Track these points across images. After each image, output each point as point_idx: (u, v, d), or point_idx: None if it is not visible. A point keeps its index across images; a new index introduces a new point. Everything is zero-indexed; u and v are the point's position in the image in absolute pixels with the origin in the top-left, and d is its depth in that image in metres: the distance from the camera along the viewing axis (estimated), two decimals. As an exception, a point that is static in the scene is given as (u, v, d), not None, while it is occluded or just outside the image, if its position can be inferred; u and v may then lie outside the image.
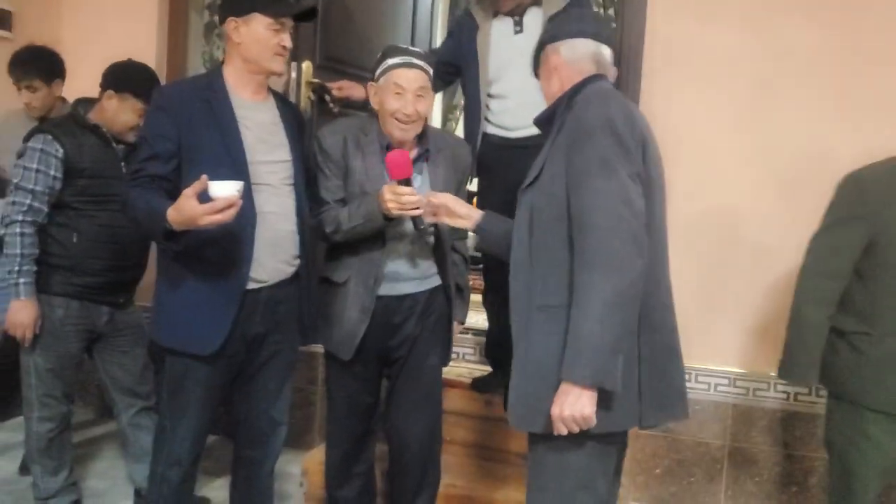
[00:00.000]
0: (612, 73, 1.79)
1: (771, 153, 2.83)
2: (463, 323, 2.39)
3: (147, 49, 3.51)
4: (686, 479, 3.01)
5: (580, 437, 1.55)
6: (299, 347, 2.29)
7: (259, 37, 2.00)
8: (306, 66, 2.68)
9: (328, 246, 2.21)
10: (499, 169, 2.66)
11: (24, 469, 2.90)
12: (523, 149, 2.61)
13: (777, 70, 2.84)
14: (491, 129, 2.70)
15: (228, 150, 1.98)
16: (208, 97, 2.00)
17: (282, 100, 2.24)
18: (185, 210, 1.73)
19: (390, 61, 2.07)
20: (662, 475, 3.03)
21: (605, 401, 1.53)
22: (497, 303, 2.82)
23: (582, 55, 1.73)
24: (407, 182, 1.98)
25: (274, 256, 2.05)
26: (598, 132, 1.55)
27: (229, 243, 1.95)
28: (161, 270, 2.08)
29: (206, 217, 1.73)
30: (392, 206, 1.95)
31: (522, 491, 2.50)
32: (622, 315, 1.48)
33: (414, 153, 2.13)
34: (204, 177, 1.74)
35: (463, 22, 2.75)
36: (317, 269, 2.25)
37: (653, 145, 1.68)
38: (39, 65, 2.81)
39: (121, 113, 2.46)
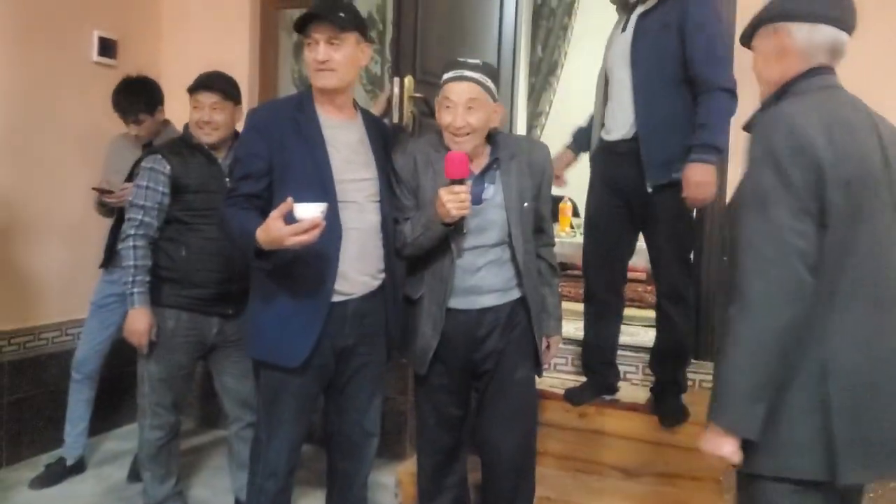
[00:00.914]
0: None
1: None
2: (553, 336, 2.30)
3: (240, 68, 3.64)
4: None
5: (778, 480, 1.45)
6: (388, 359, 2.31)
7: (306, 56, 2.07)
8: (408, 80, 2.71)
9: (407, 264, 2.22)
10: (596, 172, 2.68)
11: (133, 476, 3.02)
12: (617, 154, 2.59)
13: (880, 69, 2.68)
14: (602, 132, 2.69)
15: (316, 169, 2.04)
16: (298, 117, 2.07)
17: (369, 117, 2.27)
18: (272, 231, 1.83)
19: (445, 76, 2.08)
20: None
21: (769, 445, 1.43)
22: (593, 311, 2.78)
23: (819, 44, 1.50)
24: (461, 182, 1.96)
25: (359, 270, 2.10)
26: (760, 161, 1.42)
27: (316, 259, 2.01)
28: (254, 286, 2.17)
29: (292, 238, 1.82)
30: (450, 206, 1.93)
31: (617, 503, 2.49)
32: (765, 362, 1.38)
33: (483, 163, 2.11)
34: (290, 199, 1.81)
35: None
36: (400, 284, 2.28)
37: (861, 163, 1.43)
38: (140, 99, 2.96)
39: (191, 115, 2.57)
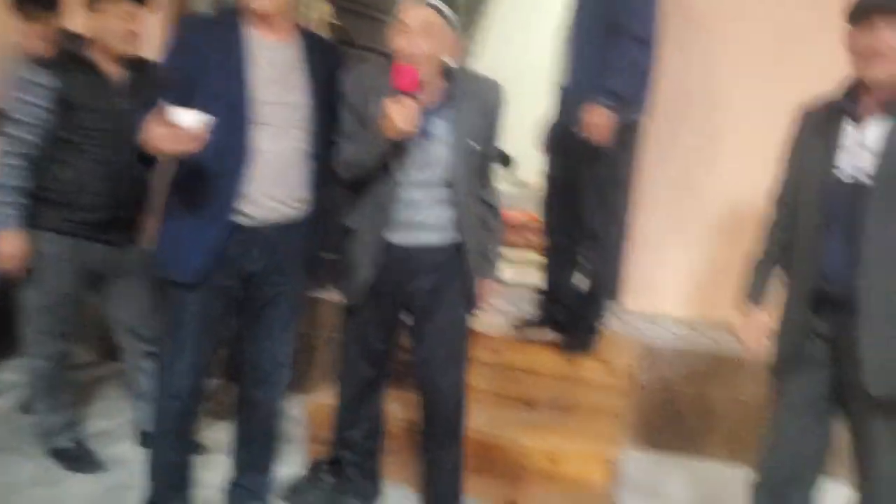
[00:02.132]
0: None
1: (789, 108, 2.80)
2: (489, 279, 2.29)
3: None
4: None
5: None
6: (308, 292, 2.30)
7: None
8: (324, 6, 2.61)
9: (349, 193, 2.18)
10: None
11: (26, 407, 2.92)
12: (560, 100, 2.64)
13: (798, 18, 2.77)
14: None
15: (231, 86, 1.99)
16: (224, 32, 2.01)
17: (313, 41, 2.18)
18: (149, 135, 1.81)
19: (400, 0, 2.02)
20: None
21: None
22: (556, 262, 2.83)
23: None
24: (410, 96, 1.91)
25: (270, 196, 2.05)
26: None
27: (219, 179, 2.00)
28: (165, 204, 2.14)
29: (168, 144, 1.80)
30: (396, 119, 1.88)
31: (544, 437, 2.57)
32: None
33: (436, 97, 2.06)
34: (167, 104, 1.79)
35: None
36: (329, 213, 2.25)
37: None
38: None
39: (109, 25, 2.38)
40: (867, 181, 1.76)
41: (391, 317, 2.25)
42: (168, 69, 2.05)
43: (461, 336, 2.27)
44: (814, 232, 1.84)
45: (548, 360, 2.76)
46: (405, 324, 2.30)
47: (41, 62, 2.42)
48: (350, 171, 2.08)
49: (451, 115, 2.08)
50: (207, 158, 2.00)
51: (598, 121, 2.42)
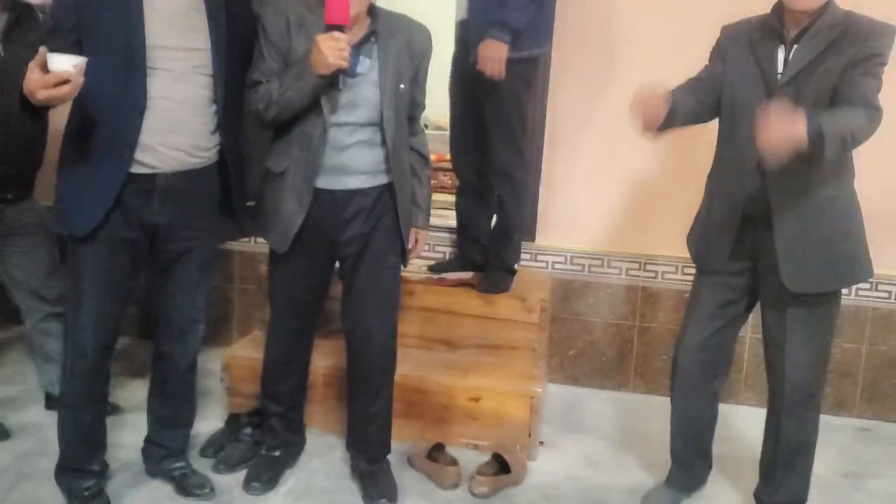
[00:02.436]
0: None
1: (692, 39, 2.84)
2: (421, 229, 2.29)
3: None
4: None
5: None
6: (222, 243, 2.23)
7: None
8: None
9: (272, 134, 2.10)
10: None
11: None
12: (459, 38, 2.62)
13: None
14: None
15: (124, 31, 1.89)
16: None
17: None
18: (27, 82, 1.72)
19: None
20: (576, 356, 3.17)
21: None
22: (467, 202, 2.83)
23: None
24: (341, 30, 1.86)
25: (169, 144, 1.97)
26: None
27: (112, 127, 1.93)
28: (60, 157, 2.04)
29: (41, 91, 1.70)
30: (328, 53, 1.83)
31: (466, 377, 2.62)
32: None
33: (361, 35, 2.00)
34: (42, 48, 1.71)
35: None
36: (244, 157, 2.19)
37: None
38: None
39: None
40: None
41: (321, 265, 2.20)
42: (57, 14, 1.95)
43: (393, 282, 2.25)
44: (748, 145, 1.88)
45: (466, 301, 2.79)
46: (333, 270, 2.27)
47: None
48: (273, 111, 1.99)
49: (377, 52, 2.03)
50: (101, 106, 1.93)
51: (493, 55, 2.40)
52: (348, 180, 2.07)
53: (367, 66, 2.02)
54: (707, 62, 2.13)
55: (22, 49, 2.30)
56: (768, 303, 2.11)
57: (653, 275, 3.08)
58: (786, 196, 1.96)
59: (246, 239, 3.21)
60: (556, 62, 2.98)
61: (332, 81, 1.95)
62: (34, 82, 1.70)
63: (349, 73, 1.97)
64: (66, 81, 1.69)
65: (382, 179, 2.12)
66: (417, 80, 2.15)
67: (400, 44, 2.06)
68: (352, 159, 2.06)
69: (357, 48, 1.99)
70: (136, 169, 1.95)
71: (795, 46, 1.94)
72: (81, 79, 1.72)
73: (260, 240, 3.22)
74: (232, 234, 2.23)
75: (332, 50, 1.84)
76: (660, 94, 1.93)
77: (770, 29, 1.99)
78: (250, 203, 2.24)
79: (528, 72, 2.61)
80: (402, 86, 2.06)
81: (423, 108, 2.26)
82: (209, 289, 2.28)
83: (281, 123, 2.05)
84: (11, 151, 2.34)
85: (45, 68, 1.69)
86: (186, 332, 2.22)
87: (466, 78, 2.60)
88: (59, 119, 2.34)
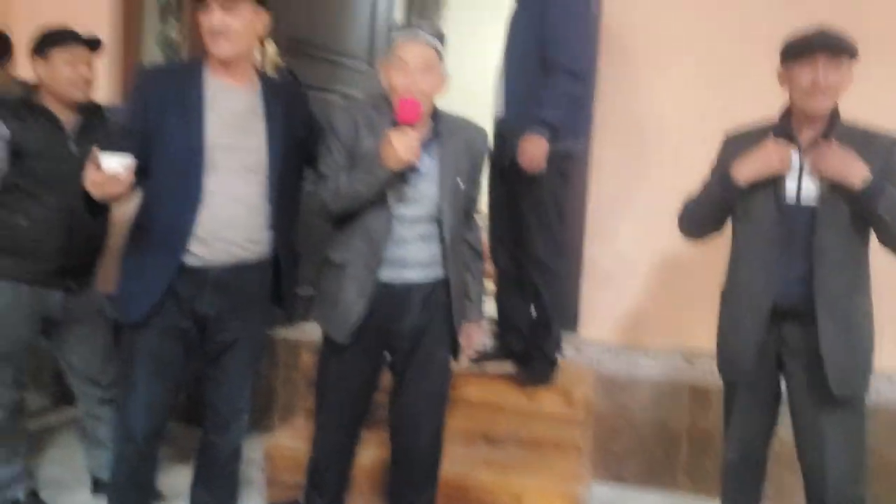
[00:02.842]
0: None
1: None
2: (474, 322, 2.30)
3: (100, 28, 3.39)
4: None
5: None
6: (283, 326, 2.29)
7: (201, 21, 2.03)
8: (271, 48, 2.64)
9: (333, 225, 2.16)
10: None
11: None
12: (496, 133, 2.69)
13: (733, 53, 2.88)
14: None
15: (187, 131, 2.02)
16: (183, 79, 2.06)
17: (273, 85, 2.22)
18: (85, 179, 1.84)
19: (399, 36, 2.06)
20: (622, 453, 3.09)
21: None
22: (506, 291, 2.87)
23: None
24: (411, 127, 1.95)
25: (221, 238, 2.06)
26: None
27: (169, 220, 2.03)
28: (123, 248, 2.16)
29: (96, 188, 1.83)
30: (399, 148, 1.91)
31: (508, 474, 2.57)
32: None
33: (424, 134, 2.07)
34: (94, 148, 1.83)
35: None
36: (296, 251, 2.29)
37: None
38: None
39: (56, 71, 2.38)
40: (813, 203, 1.98)
41: (375, 357, 2.20)
42: (126, 117, 2.11)
43: (443, 377, 2.24)
44: (765, 250, 2.03)
45: (507, 394, 2.77)
46: (385, 362, 2.27)
47: None
48: (341, 204, 2.06)
49: (438, 151, 2.11)
50: (161, 200, 2.05)
51: (533, 150, 2.50)
52: (406, 273, 2.11)
53: (429, 163, 2.09)
54: (711, 168, 2.20)
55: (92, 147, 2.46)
56: (800, 403, 2.08)
57: (701, 373, 3.02)
58: (829, 297, 1.97)
59: (290, 326, 3.27)
60: (596, 156, 3.05)
61: (401, 176, 2.02)
62: (91, 180, 1.83)
63: (412, 169, 2.05)
64: (116, 181, 1.82)
65: (438, 273, 2.15)
66: (474, 177, 2.22)
67: (459, 143, 2.14)
68: (409, 252, 2.09)
69: (420, 147, 2.05)
70: (189, 261, 2.04)
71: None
72: (131, 177, 1.84)
73: (305, 327, 3.29)
74: (281, 323, 2.27)
75: (403, 146, 1.93)
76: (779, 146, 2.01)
77: (783, 133, 2.03)
78: (303, 293, 2.29)
79: (565, 165, 2.68)
80: (460, 183, 2.13)
81: (477, 205, 2.32)
82: (255, 380, 2.32)
83: (345, 216, 2.11)
84: (78, 243, 2.46)
85: (96, 167, 1.81)
86: (231, 421, 2.25)
87: (505, 171, 2.67)
88: (123, 209, 2.49)
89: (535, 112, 2.50)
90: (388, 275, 2.09)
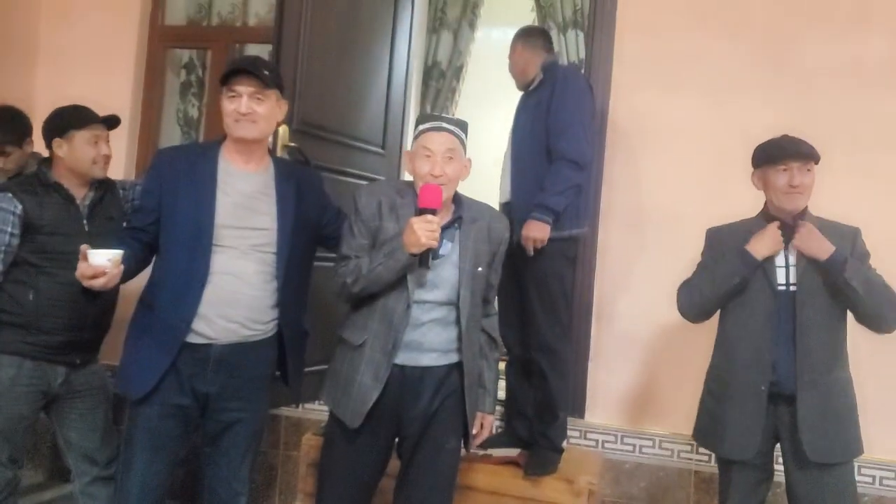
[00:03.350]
0: None
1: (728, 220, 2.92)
2: (487, 414, 2.28)
3: (122, 106, 3.54)
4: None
5: None
6: (288, 405, 2.28)
7: (223, 108, 2.12)
8: (283, 129, 2.71)
9: (350, 306, 2.17)
10: None
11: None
12: None
13: (735, 144, 2.95)
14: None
15: (197, 211, 2.07)
16: (197, 161, 2.13)
17: (286, 168, 2.28)
18: (77, 270, 1.96)
19: (421, 127, 2.12)
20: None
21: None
22: (515, 376, 2.86)
23: None
24: (433, 213, 1.98)
25: (225, 316, 2.08)
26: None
27: (176, 297, 2.06)
28: (129, 324, 2.19)
29: (82, 278, 1.96)
30: (420, 233, 1.93)
31: None
32: None
33: (446, 220, 2.11)
34: (83, 246, 1.95)
35: None
36: (304, 330, 2.33)
37: None
38: (7, 129, 2.74)
39: (77, 151, 2.44)
40: (795, 290, 2.21)
41: (385, 442, 2.15)
42: (142, 196, 2.20)
43: (451, 465, 2.20)
44: (759, 333, 2.22)
45: (511, 481, 2.71)
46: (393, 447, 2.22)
47: (5, 187, 2.42)
48: (361, 285, 2.05)
49: (459, 236, 2.13)
50: (168, 278, 2.09)
51: (535, 234, 2.57)
52: (420, 357, 2.09)
53: (449, 248, 2.11)
54: (701, 259, 2.41)
55: (105, 222, 2.49)
56: (795, 472, 2.22)
57: (706, 458, 2.97)
58: (810, 374, 2.17)
59: (293, 405, 3.25)
60: (602, 241, 3.08)
61: (422, 260, 2.02)
62: (78, 271, 1.94)
63: (433, 254, 2.06)
64: (102, 274, 1.91)
65: (453, 358, 2.13)
66: (493, 264, 2.23)
67: (480, 230, 2.16)
68: (425, 336, 2.08)
69: (442, 232, 2.07)
70: (191, 339, 2.06)
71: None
72: (118, 270, 1.94)
73: (307, 406, 3.26)
74: (286, 402, 2.27)
75: (424, 231, 1.94)
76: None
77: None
78: (311, 370, 2.29)
79: (569, 250, 2.73)
80: (479, 269, 2.14)
81: (496, 292, 2.33)
82: (255, 460, 2.30)
83: (364, 297, 2.11)
84: (85, 319, 2.47)
85: (84, 260, 1.93)
86: (228, 503, 2.22)
87: (512, 255, 2.69)
88: (130, 284, 2.51)
89: (538, 198, 2.58)
90: (403, 358, 2.08)
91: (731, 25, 3.01)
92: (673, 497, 2.99)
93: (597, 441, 3.09)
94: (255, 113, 2.09)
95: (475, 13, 4.01)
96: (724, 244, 2.32)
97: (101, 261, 1.91)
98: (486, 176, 2.91)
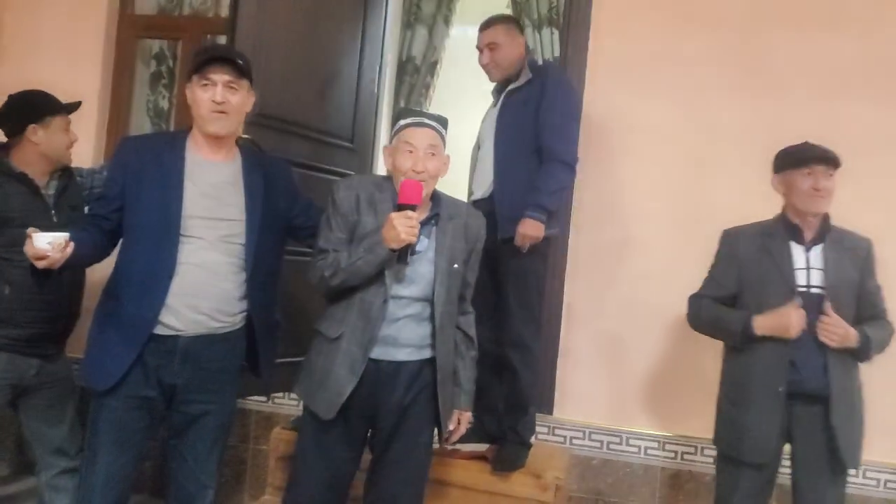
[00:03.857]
0: None
1: (700, 223, 2.96)
2: (464, 411, 2.28)
3: (90, 96, 3.49)
4: (617, 543, 3.03)
5: None
6: (262, 397, 2.27)
7: (196, 97, 2.08)
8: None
9: (328, 299, 2.17)
10: None
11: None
12: None
13: (706, 144, 3.00)
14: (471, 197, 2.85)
15: (163, 201, 2.05)
16: (163, 151, 2.10)
17: (253, 160, 2.25)
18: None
19: (402, 122, 2.12)
20: (594, 539, 3.04)
21: None
22: (485, 371, 2.77)
23: None
24: (412, 209, 1.98)
25: (192, 308, 2.06)
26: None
27: (142, 288, 2.03)
28: (94, 314, 2.15)
29: (32, 260, 1.89)
30: (400, 229, 1.94)
31: None
32: None
33: (423, 216, 2.11)
34: (30, 229, 1.89)
35: None
36: (276, 320, 2.31)
37: None
38: None
39: (54, 137, 2.44)
40: (821, 292, 2.25)
41: (358, 435, 2.16)
42: (106, 183, 2.16)
43: (424, 459, 2.21)
44: (779, 337, 2.22)
45: (478, 475, 2.72)
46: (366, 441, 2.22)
47: None
48: (339, 278, 2.06)
49: (436, 233, 2.14)
50: (134, 269, 2.06)
51: (532, 232, 2.58)
52: (395, 352, 2.09)
53: (426, 244, 2.12)
54: (714, 262, 2.41)
55: (70, 211, 2.47)
56: (808, 478, 2.27)
57: (672, 454, 3.02)
58: (841, 379, 2.23)
59: (263, 399, 3.24)
60: (573, 240, 3.10)
61: (401, 256, 2.03)
62: (28, 253, 1.88)
63: (412, 249, 2.07)
64: (45, 256, 1.86)
65: (426, 354, 2.14)
66: (470, 262, 2.23)
67: (457, 227, 2.17)
68: (400, 332, 2.09)
69: (419, 228, 2.08)
70: (159, 330, 2.04)
71: (816, 249, 2.29)
72: (59, 255, 1.88)
73: (277, 400, 3.25)
74: (256, 392, 2.25)
75: (404, 226, 1.95)
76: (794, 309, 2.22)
77: (785, 232, 2.32)
78: (281, 360, 2.28)
79: (546, 249, 2.75)
80: (455, 266, 2.15)
81: (472, 290, 2.33)
82: (222, 453, 2.28)
83: (342, 291, 2.11)
84: (61, 310, 2.45)
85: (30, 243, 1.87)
86: (196, 497, 2.20)
87: (489, 251, 2.69)
88: (95, 273, 2.48)
89: (533, 197, 2.58)
90: (379, 353, 2.08)
91: (707, 26, 3.04)
92: (639, 493, 3.03)
93: (565, 437, 3.11)
94: (228, 103, 2.07)
95: (450, 8, 3.99)
96: (737, 248, 2.37)
97: (42, 244, 1.86)
98: (461, 173, 2.91)
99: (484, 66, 2.83)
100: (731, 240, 2.40)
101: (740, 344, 2.28)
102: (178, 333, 2.06)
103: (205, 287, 2.07)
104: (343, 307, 2.10)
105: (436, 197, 2.18)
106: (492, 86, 2.92)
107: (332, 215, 2.12)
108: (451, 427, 2.24)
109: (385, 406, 2.11)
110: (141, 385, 2.05)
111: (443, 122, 2.16)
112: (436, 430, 2.24)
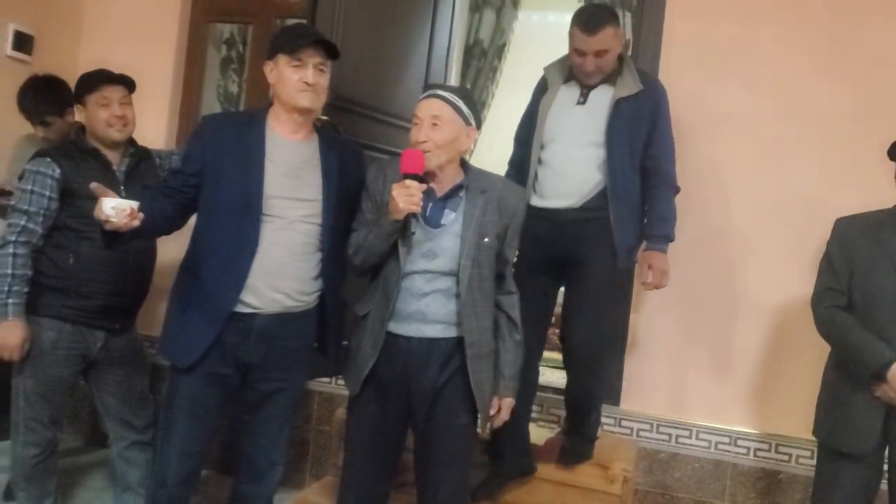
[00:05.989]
0: None
1: (777, 212, 2.87)
2: (505, 397, 2.16)
3: (163, 80, 3.57)
4: (683, 540, 2.96)
5: None
6: (329, 376, 2.27)
7: (284, 76, 2.07)
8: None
9: (364, 280, 2.17)
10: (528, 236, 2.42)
11: (8, 495, 2.83)
12: (550, 221, 2.53)
13: (787, 131, 2.88)
14: (531, 195, 2.57)
15: (245, 180, 2.05)
16: (243, 130, 2.11)
17: (331, 141, 2.25)
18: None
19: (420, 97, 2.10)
20: (659, 534, 2.98)
21: None
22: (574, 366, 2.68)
23: None
24: (416, 178, 1.96)
25: (272, 287, 2.07)
26: None
27: (224, 267, 2.04)
28: (172, 288, 2.17)
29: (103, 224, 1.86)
30: (399, 199, 1.92)
31: None
32: None
33: (448, 187, 2.09)
34: (100, 190, 1.87)
35: (540, 81, 2.71)
36: (344, 301, 2.30)
37: None
38: (48, 99, 2.79)
39: (91, 114, 2.49)
40: None
41: (396, 414, 2.11)
42: (185, 157, 2.16)
43: (465, 439, 2.13)
44: (887, 327, 2.14)
45: (544, 464, 2.69)
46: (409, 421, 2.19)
47: (44, 152, 2.46)
48: (360, 256, 2.07)
49: (463, 206, 2.08)
50: (215, 247, 2.07)
51: (664, 266, 2.48)
52: (425, 328, 2.06)
53: (452, 218, 2.07)
54: (826, 251, 2.32)
55: (140, 190, 2.51)
56: None
57: (744, 451, 2.92)
58: None
59: (326, 379, 3.26)
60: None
61: (406, 225, 2.01)
62: (98, 217, 1.86)
63: (433, 223, 2.04)
64: (107, 221, 1.84)
65: (456, 330, 2.08)
66: (506, 238, 2.15)
67: (490, 200, 2.10)
68: (428, 307, 2.05)
69: (444, 200, 2.07)
70: (238, 308, 2.05)
71: None
72: (123, 221, 1.85)
73: (340, 381, 3.27)
74: (324, 373, 2.26)
75: (402, 196, 1.93)
76: None
77: None
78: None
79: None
80: (486, 239, 2.07)
81: (511, 266, 2.26)
82: (292, 430, 2.30)
83: (369, 269, 2.11)
84: (125, 284, 2.50)
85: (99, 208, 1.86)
86: (265, 473, 2.23)
87: (543, 254, 2.57)
88: (166, 252, 2.52)
89: (662, 228, 2.49)
90: (408, 329, 2.06)
91: (788, 8, 2.91)
92: (708, 489, 2.94)
93: (631, 429, 3.05)
94: (318, 84, 2.09)
95: (519, -9, 3.95)
96: (849, 234, 2.27)
97: (106, 208, 1.84)
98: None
99: (586, 73, 2.48)
100: (842, 227, 2.31)
101: (867, 379, 2.15)
102: (257, 311, 2.07)
103: (285, 266, 2.08)
104: (373, 286, 2.12)
105: (466, 168, 2.14)
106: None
107: (364, 197, 2.14)
108: (491, 412, 2.16)
109: (419, 385, 2.07)
110: (218, 362, 2.07)
111: (461, 93, 2.10)
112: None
